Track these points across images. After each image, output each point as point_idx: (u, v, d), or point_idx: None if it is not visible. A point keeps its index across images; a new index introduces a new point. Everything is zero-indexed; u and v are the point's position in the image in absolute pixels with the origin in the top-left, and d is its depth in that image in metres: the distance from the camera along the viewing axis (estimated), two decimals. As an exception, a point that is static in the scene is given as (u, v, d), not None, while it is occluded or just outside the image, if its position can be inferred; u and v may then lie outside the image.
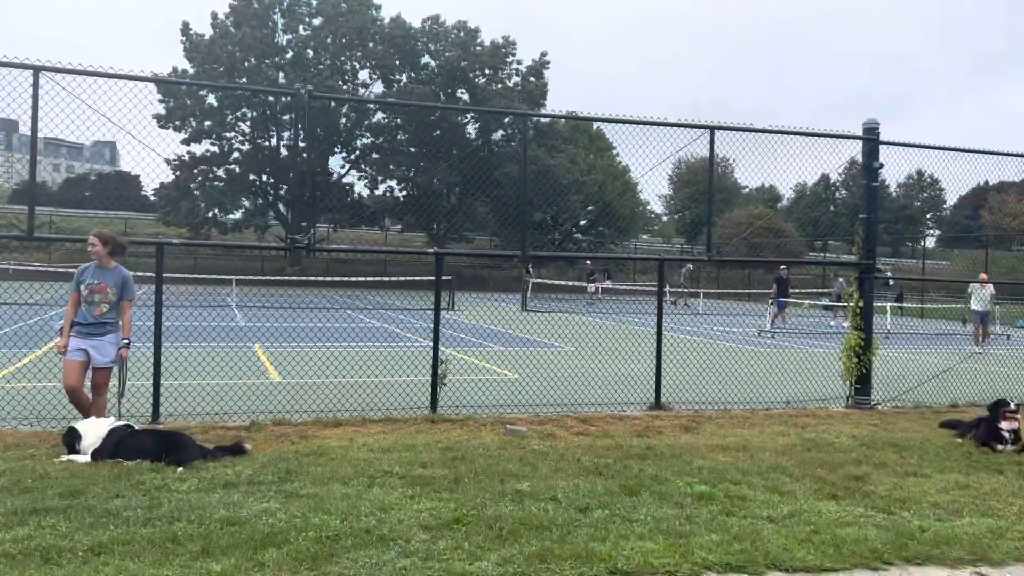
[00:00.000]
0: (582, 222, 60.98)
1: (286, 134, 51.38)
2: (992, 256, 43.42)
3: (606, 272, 43.29)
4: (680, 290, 37.30)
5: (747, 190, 78.42)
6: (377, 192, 54.32)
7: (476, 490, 5.90)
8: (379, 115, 51.95)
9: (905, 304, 35.13)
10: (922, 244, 71.98)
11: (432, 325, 9.20)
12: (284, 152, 51.44)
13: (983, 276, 20.77)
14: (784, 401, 10.43)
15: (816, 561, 4.76)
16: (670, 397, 10.12)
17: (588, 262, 40.81)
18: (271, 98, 47.14)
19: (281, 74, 48.71)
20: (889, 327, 23.30)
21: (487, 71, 52.45)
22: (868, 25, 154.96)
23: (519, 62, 52.79)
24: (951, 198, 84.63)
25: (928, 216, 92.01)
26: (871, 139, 10.26)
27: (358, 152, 52.73)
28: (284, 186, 51.35)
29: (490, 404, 9.58)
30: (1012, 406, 7.93)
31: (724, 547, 4.89)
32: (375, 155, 52.53)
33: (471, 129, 53.27)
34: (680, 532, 5.14)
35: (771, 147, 10.19)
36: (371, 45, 50.57)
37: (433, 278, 9.34)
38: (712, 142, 9.56)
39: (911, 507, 5.91)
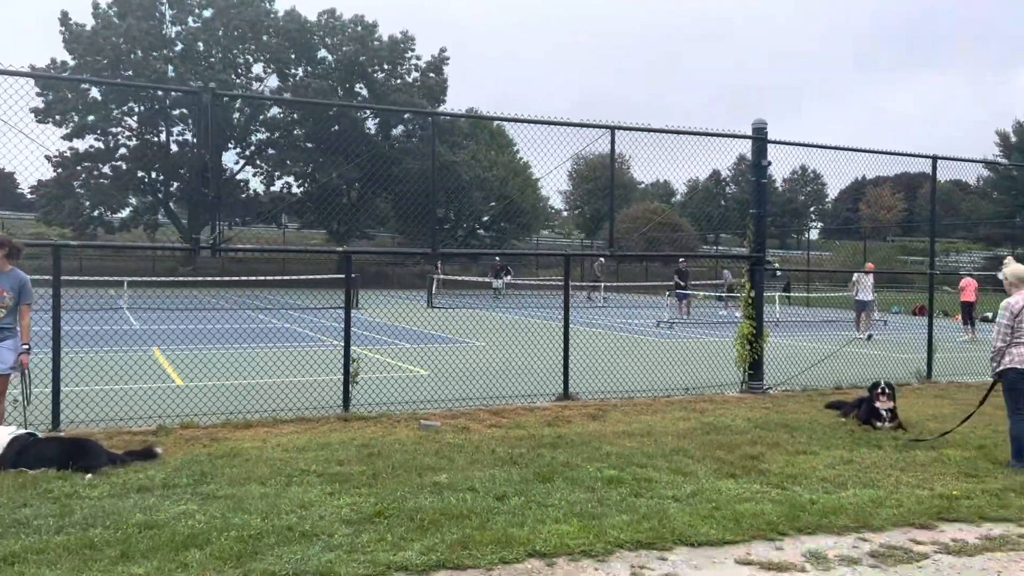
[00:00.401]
0: (484, 218, 61.34)
1: (176, 129, 49.55)
2: (869, 246, 46.23)
3: (506, 268, 43.69)
4: (596, 283, 38.00)
5: (643, 186, 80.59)
6: (273, 189, 53.04)
7: (395, 484, 6.02)
8: (275, 110, 50.71)
9: (792, 294, 36.93)
10: (806, 236, 75.60)
11: (337, 324, 9.22)
12: (175, 148, 49.57)
13: (869, 265, 21.96)
14: (684, 388, 10.94)
15: (718, 535, 5.11)
16: (577, 387, 10.45)
17: (497, 258, 41.01)
18: (160, 92, 45.33)
19: (170, 67, 46.90)
20: (778, 316, 24.52)
21: (386, 66, 51.95)
22: (758, 22, 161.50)
23: (418, 57, 52.59)
24: (832, 192, 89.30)
25: (811, 209, 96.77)
26: (760, 138, 10.86)
27: (253, 148, 51.35)
28: (175, 183, 49.49)
29: (402, 401, 9.66)
30: (886, 386, 8.59)
31: (634, 526, 5.18)
32: (271, 151, 51.27)
33: (371, 124, 52.71)
34: (593, 514, 5.41)
35: (666, 145, 10.65)
36: (265, 38, 49.29)
37: (336, 276, 9.35)
38: (613, 141, 9.93)
39: (802, 482, 6.38)
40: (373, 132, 52.31)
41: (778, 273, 41.04)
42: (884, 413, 8.55)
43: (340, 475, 6.20)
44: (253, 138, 50.94)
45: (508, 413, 9.03)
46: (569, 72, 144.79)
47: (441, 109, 54.06)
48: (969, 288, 20.92)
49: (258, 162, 52.08)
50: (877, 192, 76.28)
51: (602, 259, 40.46)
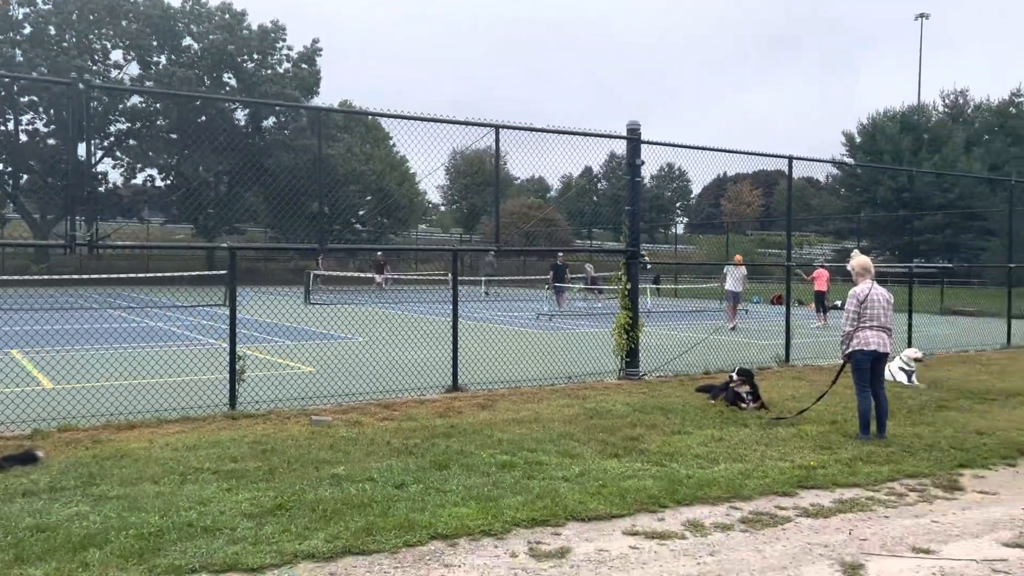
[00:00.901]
0: (361, 212, 60.59)
1: (24, 118, 46.18)
2: (731, 240, 48.86)
3: (385, 263, 43.33)
4: (491, 278, 38.15)
5: (519, 181, 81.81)
6: (135, 181, 50.38)
7: (293, 478, 6.08)
8: (135, 99, 48.16)
9: (662, 286, 38.61)
10: (674, 230, 78.95)
11: (211, 322, 9.09)
12: (24, 138, 46.22)
13: (738, 258, 23.11)
14: (566, 376, 11.40)
15: (606, 510, 5.49)
16: (465, 379, 10.69)
17: (380, 253, 40.44)
18: (7, 80, 42.11)
19: (18, 51, 43.65)
20: (649, 307, 25.62)
21: (255, 56, 50.29)
22: (624, 19, 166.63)
23: (290, 48, 51.19)
24: (696, 188, 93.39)
25: (678, 205, 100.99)
26: (633, 139, 11.43)
27: (112, 138, 48.57)
28: (24, 176, 46.18)
29: (290, 398, 9.62)
30: (745, 371, 9.34)
31: (529, 506, 5.49)
32: (132, 142, 48.65)
33: (240, 116, 50.91)
34: (489, 497, 5.68)
35: (544, 143, 11.05)
36: (124, 23, 46.66)
37: (205, 273, 9.21)
38: (497, 140, 10.22)
39: (678, 459, 6.88)
40: (243, 123, 50.59)
41: (648, 267, 42.88)
42: (746, 395, 9.27)
43: (236, 471, 6.20)
44: (112, 128, 48.17)
45: (399, 406, 9.18)
46: (445, 64, 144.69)
47: (316, 102, 53.03)
48: (821, 278, 22.55)
49: (118, 153, 49.32)
50: (737, 188, 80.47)
51: (491, 255, 40.84)
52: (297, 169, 44.94)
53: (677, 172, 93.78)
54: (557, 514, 5.37)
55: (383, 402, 9.42)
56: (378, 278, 37.95)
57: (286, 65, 51.56)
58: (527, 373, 11.61)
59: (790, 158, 13.28)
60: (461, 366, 10.66)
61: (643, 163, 11.51)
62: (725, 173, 76.98)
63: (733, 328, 19.99)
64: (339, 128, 53.95)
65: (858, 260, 8.08)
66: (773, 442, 7.59)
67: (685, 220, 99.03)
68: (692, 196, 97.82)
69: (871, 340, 7.80)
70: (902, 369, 11.31)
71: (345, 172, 48.32)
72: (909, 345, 13.95)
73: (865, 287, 7.93)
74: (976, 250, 46.19)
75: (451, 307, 10.58)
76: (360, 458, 6.72)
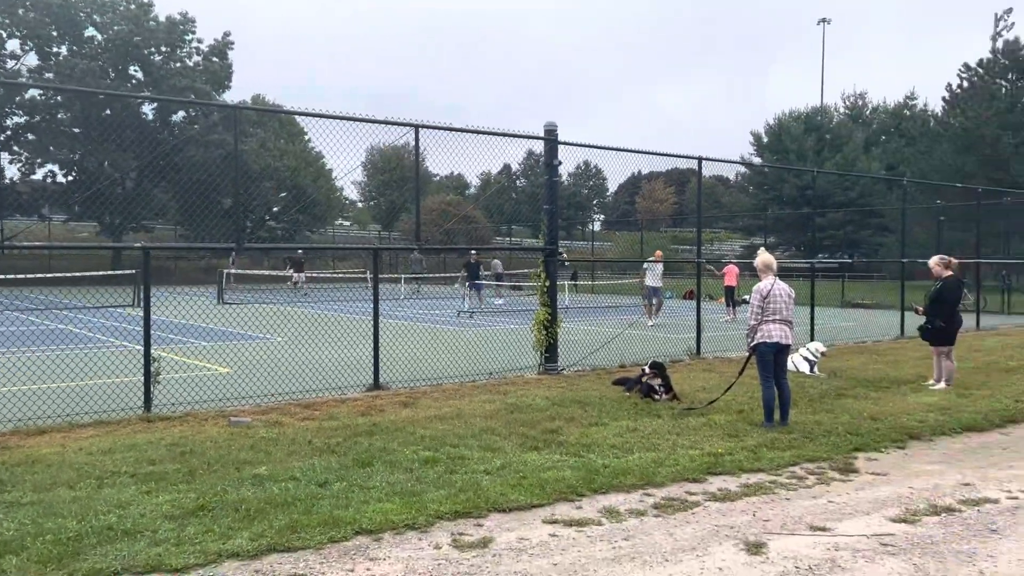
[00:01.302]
0: (275, 209, 59.43)
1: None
2: (645, 237, 50.04)
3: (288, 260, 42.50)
4: (418, 276, 37.73)
5: (437, 178, 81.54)
6: (35, 177, 48.05)
7: (214, 479, 6.06)
8: (33, 91, 45.96)
9: (579, 282, 39.22)
10: (591, 228, 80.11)
11: (117, 323, 8.91)
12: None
13: (658, 253, 23.33)
14: (487, 373, 11.57)
15: (527, 500, 5.69)
16: (387, 377, 10.75)
17: (300, 251, 39.42)
18: None
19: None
20: (567, 303, 26.10)
21: (163, 48, 48.69)
22: (543, 19, 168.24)
23: (200, 41, 49.75)
24: (612, 186, 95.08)
25: (594, 203, 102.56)
26: (551, 139, 11.69)
27: (8, 132, 46.23)
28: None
29: (207, 399, 9.48)
30: (656, 364, 9.70)
31: (451, 499, 5.64)
32: (30, 136, 46.40)
33: (147, 110, 49.19)
34: (413, 492, 5.80)
35: (462, 140, 11.20)
36: (21, 12, 44.44)
37: (115, 272, 9.04)
38: (417, 139, 10.30)
39: (595, 450, 7.15)
40: (151, 118, 48.89)
41: (566, 264, 43.44)
42: (658, 387, 9.64)
43: (154, 474, 6.14)
44: (8, 122, 45.84)
45: (320, 406, 9.17)
46: (363, 56, 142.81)
47: (228, 96, 51.77)
48: (731, 274, 23.39)
49: (15, 148, 46.95)
50: (651, 186, 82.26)
51: (417, 253, 40.44)
52: (208, 165, 43.82)
53: (594, 170, 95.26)
54: (479, 506, 5.54)
55: (303, 402, 9.40)
56: (296, 277, 37.08)
57: (196, 58, 50.12)
58: (449, 370, 11.73)
59: (699, 159, 13.79)
60: (383, 365, 10.71)
61: (560, 163, 11.78)
62: (640, 171, 78.52)
63: (653, 324, 20.25)
64: (252, 123, 52.78)
65: (762, 258, 8.52)
66: (684, 431, 7.93)
67: (602, 218, 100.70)
68: (608, 194, 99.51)
69: (774, 333, 8.24)
70: (806, 359, 11.92)
71: (259, 168, 47.30)
72: (812, 337, 14.69)
73: (768, 283, 8.37)
74: (875, 245, 48.59)
75: (371, 305, 10.62)
76: (282, 458, 6.73)
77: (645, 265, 21.24)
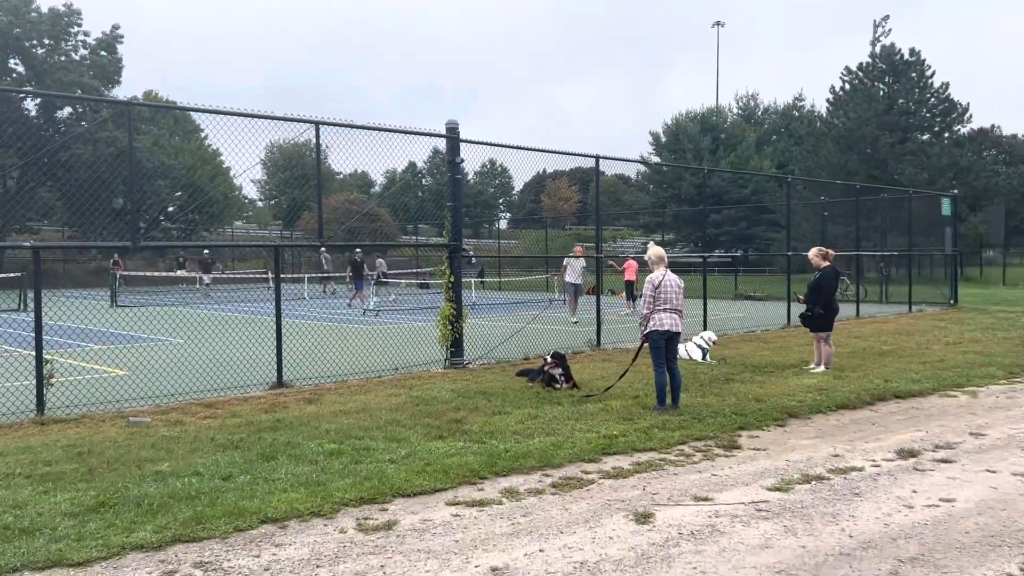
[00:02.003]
0: (170, 208, 57.45)
1: None
2: (550, 235, 50.87)
3: (183, 260, 41.10)
4: (327, 275, 36.85)
5: (341, 176, 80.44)
6: (-96, 176, 44.99)
7: (114, 477, 6.02)
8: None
9: (486, 279, 39.60)
10: (496, 225, 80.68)
11: (2, 328, 8.61)
12: None
13: (578, 249, 23.26)
14: (393, 368, 11.70)
15: (431, 485, 5.89)
16: (291, 375, 10.74)
17: (206, 252, 37.44)
18: None
19: None
20: (474, 299, 26.39)
21: (47, 41, 46.35)
22: (441, 20, 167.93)
23: (86, 33, 47.59)
24: (518, 184, 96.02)
25: (500, 201, 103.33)
26: (453, 137, 11.90)
27: None
28: None
29: (104, 401, 9.28)
30: (557, 354, 10.07)
31: (357, 487, 5.79)
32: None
33: (30, 105, 46.71)
34: (318, 482, 5.92)
35: (365, 137, 11.29)
36: None
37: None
38: (318, 136, 10.33)
39: (498, 436, 7.41)
40: (33, 114, 46.46)
41: (473, 261, 43.72)
42: (559, 377, 10.00)
43: (51, 475, 6.04)
44: None
45: (222, 404, 9.12)
46: (262, 50, 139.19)
47: (118, 92, 49.68)
48: (631, 269, 24.12)
49: None
50: (556, 185, 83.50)
51: (323, 251, 39.55)
52: (98, 163, 42.01)
53: (500, 169, 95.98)
54: (384, 492, 5.71)
55: (205, 401, 9.31)
56: (206, 278, 35.02)
57: (83, 52, 47.93)
58: (355, 367, 11.78)
59: (597, 157, 14.26)
60: (288, 364, 10.70)
61: (463, 161, 12.00)
62: (544, 170, 79.62)
63: (576, 322, 19.26)
64: (145, 120, 50.91)
65: (653, 250, 8.98)
66: (582, 417, 8.29)
67: (508, 216, 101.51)
68: (514, 192, 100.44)
69: (665, 321, 8.71)
70: (699, 347, 12.54)
71: (152, 166, 45.62)
72: (705, 327, 15.41)
73: (659, 274, 8.83)
74: (767, 241, 50.86)
75: (273, 306, 10.58)
76: (184, 455, 6.72)
77: (565, 261, 20.78)
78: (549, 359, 10.16)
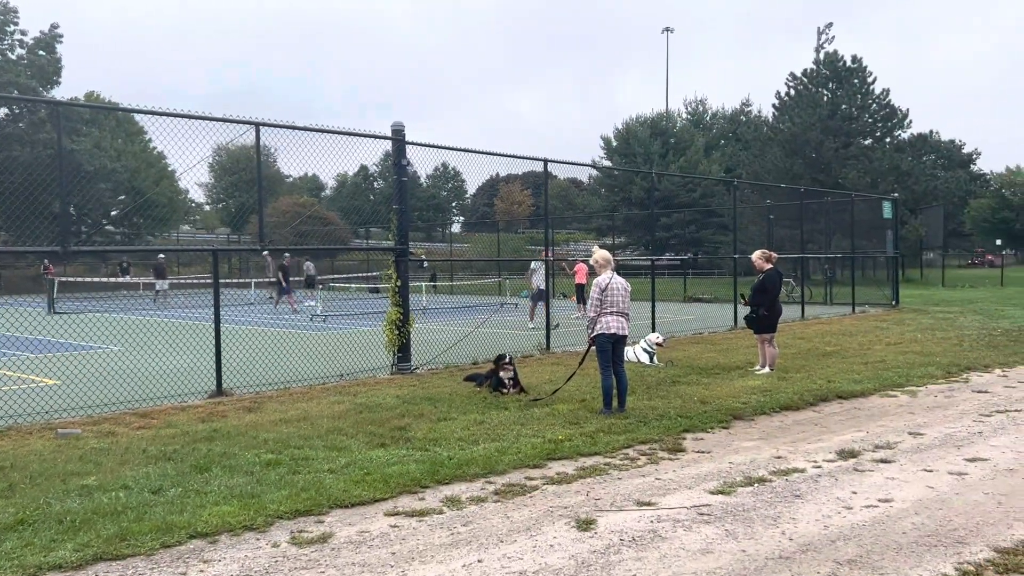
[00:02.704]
0: (113, 212, 56.05)
1: None
2: (504, 238, 50.84)
3: (127, 265, 39.88)
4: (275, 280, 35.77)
5: (291, 179, 79.41)
6: None
7: (36, 492, 5.75)
8: None
9: (438, 283, 39.36)
10: (449, 229, 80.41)
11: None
12: None
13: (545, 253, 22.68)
14: (338, 375, 11.48)
15: (370, 495, 5.74)
16: (232, 383, 10.46)
17: (161, 256, 35.25)
18: None
19: None
20: (425, 303, 26.16)
21: (-19, 39, 44.92)
22: (394, 22, 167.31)
23: (23, 32, 46.16)
24: (471, 188, 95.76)
25: (453, 204, 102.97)
26: (398, 139, 11.74)
27: None
28: None
29: (31, 412, 8.90)
30: (508, 358, 9.96)
31: (292, 499, 5.61)
32: None
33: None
34: (252, 494, 5.73)
35: (313, 140, 11.08)
36: None
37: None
38: (257, 137, 10.08)
39: (442, 443, 7.29)
40: (-35, 114, 44.92)
41: (425, 264, 43.41)
42: (508, 381, 9.92)
43: (-33, 492, 5.74)
44: None
45: (158, 414, 8.82)
46: (210, 52, 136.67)
47: (57, 93, 48.25)
48: (581, 272, 24.16)
49: None
50: (509, 188, 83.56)
51: (268, 257, 38.50)
52: (35, 166, 40.70)
53: (452, 172, 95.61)
54: (321, 504, 5.55)
55: (140, 411, 9.00)
56: (162, 284, 33.21)
57: (19, 51, 46.47)
58: (298, 374, 11.54)
59: (545, 160, 14.23)
60: (229, 371, 10.43)
61: (409, 163, 11.86)
62: (498, 174, 79.58)
63: (535, 327, 17.90)
64: (85, 122, 49.62)
65: (599, 254, 8.95)
66: (529, 421, 8.21)
67: (462, 219, 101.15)
68: (467, 195, 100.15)
69: (611, 324, 8.68)
70: (645, 351, 12.57)
71: (94, 169, 44.39)
72: (653, 330, 15.48)
73: (606, 277, 8.80)
74: (716, 243, 51.55)
75: (216, 311, 10.30)
76: (113, 467, 6.45)
77: (533, 265, 19.30)
78: (499, 362, 10.01)
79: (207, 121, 9.96)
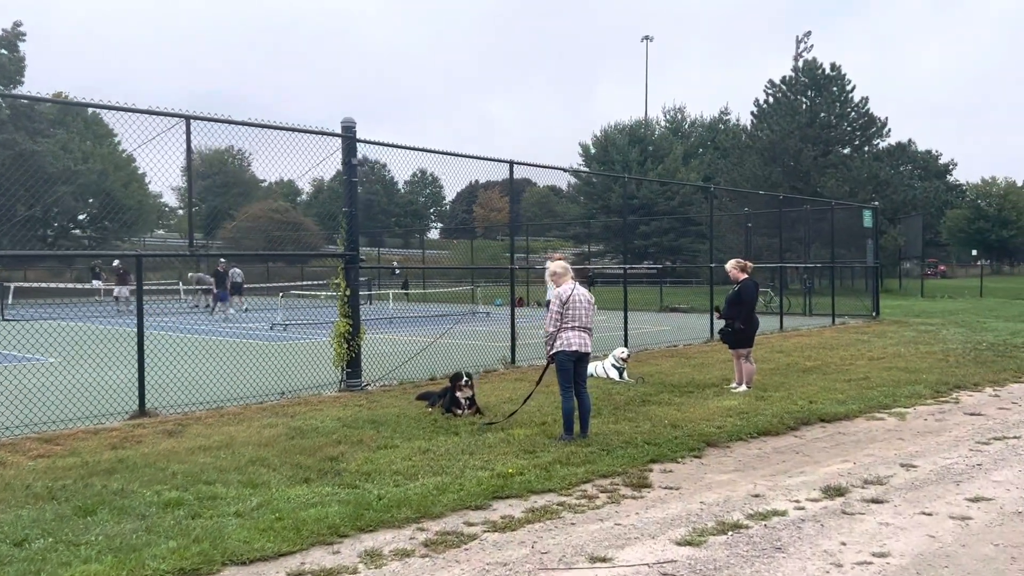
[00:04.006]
0: (81, 216, 54.66)
1: None
2: (483, 244, 49.94)
3: (99, 269, 38.50)
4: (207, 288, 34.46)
5: (266, 183, 78.07)
6: None
7: None
8: None
9: (411, 291, 38.36)
10: (425, 235, 79.41)
11: None
12: None
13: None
14: (279, 393, 10.54)
15: (275, 547, 4.84)
16: (160, 402, 9.52)
17: (116, 262, 33.23)
18: None
19: None
20: (392, 312, 25.21)
21: (-60, 36, 43.49)
22: (369, 27, 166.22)
23: (-15, 30, 44.78)
24: (450, 195, 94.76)
25: (432, 210, 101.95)
26: (349, 137, 10.85)
27: None
28: None
29: (-78, 436, 7.91)
30: (466, 377, 9.06)
31: (180, 552, 4.70)
32: None
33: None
34: (134, 546, 4.81)
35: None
36: None
37: None
38: (188, 132, 9.16)
39: (375, 478, 6.39)
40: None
41: (396, 271, 42.39)
42: (464, 401, 9.04)
43: None
44: None
45: (64, 439, 7.86)
46: (182, 55, 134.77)
47: (21, 92, 46.81)
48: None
49: None
50: (488, 195, 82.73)
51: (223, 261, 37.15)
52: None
53: (430, 178, 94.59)
54: (213, 559, 4.64)
55: (46, 435, 8.03)
56: (117, 291, 31.37)
57: (-19, 49, 45.07)
58: (237, 391, 10.58)
59: (511, 162, 13.41)
60: (161, 387, 9.55)
61: (360, 163, 10.98)
62: (477, 180, 78.69)
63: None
64: (51, 122, 48.30)
65: (555, 265, 8.08)
66: (479, 449, 7.34)
67: (440, 226, 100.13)
68: (445, 201, 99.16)
69: (573, 341, 7.82)
70: (614, 366, 11.74)
71: (56, 170, 43.02)
72: (625, 342, 14.67)
73: (567, 288, 7.95)
74: (694, 252, 51.00)
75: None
76: (-19, 510, 5.51)
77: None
78: (456, 381, 9.10)
79: (133, 114, 9.06)
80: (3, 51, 45.28)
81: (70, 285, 40.80)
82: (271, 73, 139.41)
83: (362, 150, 11.58)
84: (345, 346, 10.94)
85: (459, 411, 8.98)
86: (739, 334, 10.82)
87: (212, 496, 5.86)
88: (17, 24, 45.94)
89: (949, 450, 7.58)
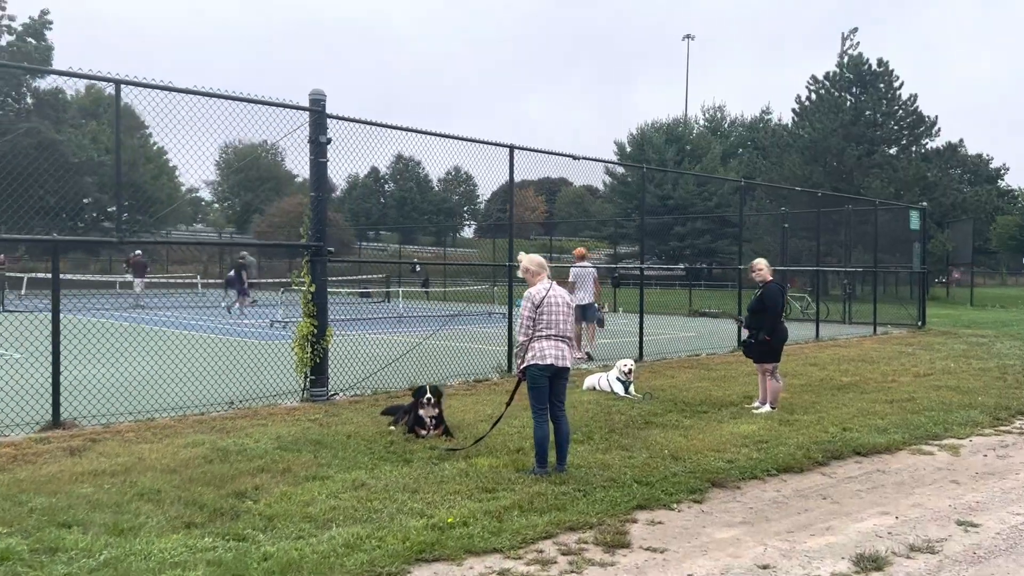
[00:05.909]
0: (110, 209, 54.50)
1: None
2: (516, 243, 48.60)
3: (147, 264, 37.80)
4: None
5: (299, 179, 77.63)
6: None
7: None
8: None
9: (431, 289, 37.07)
10: (455, 234, 78.37)
11: None
12: None
13: (579, 251, 18.27)
14: (228, 402, 9.26)
15: (80, 638, 3.50)
16: (87, 410, 8.30)
17: (137, 252, 30.46)
18: None
19: None
20: (401, 311, 23.90)
21: (-31, 24, 43.30)
22: (401, 30, 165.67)
23: (11, 18, 44.48)
24: (486, 192, 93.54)
25: (465, 208, 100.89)
26: (317, 111, 9.52)
27: None
28: None
29: None
30: (429, 394, 7.66)
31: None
32: None
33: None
34: None
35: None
36: None
37: None
38: (118, 95, 7.90)
39: (277, 525, 5.04)
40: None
41: (417, 268, 41.22)
42: (428, 420, 7.66)
43: None
44: None
45: (-55, 455, 6.65)
46: (227, 53, 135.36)
47: (43, 83, 46.57)
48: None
49: None
50: (523, 194, 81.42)
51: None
52: (17, 155, 38.95)
53: (464, 175, 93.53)
54: (-19, 658, 3.32)
55: (-73, 450, 6.83)
56: (137, 283, 30.39)
57: (9, 38, 44.81)
58: (184, 399, 9.32)
59: (511, 147, 12.02)
60: (99, 392, 8.34)
61: (329, 140, 9.63)
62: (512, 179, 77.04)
63: (589, 358, 13.82)
64: (83, 113, 48.11)
65: (528, 259, 6.62)
66: (427, 485, 5.95)
67: (474, 225, 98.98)
68: (480, 200, 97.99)
69: (548, 352, 6.38)
70: (619, 380, 10.26)
71: (79, 161, 42.61)
72: (640, 350, 13.20)
73: (542, 288, 6.51)
74: (731, 254, 49.00)
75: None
76: None
77: (572, 275, 14.40)
78: (419, 397, 7.72)
79: (72, 78, 7.89)
80: (30, 40, 44.98)
81: (89, 277, 40.22)
82: (301, 76, 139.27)
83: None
84: (309, 350, 9.62)
85: (423, 431, 7.61)
86: (763, 347, 9.28)
87: (53, 547, 4.55)
88: (44, 12, 45.62)
89: (1018, 502, 6.00)
